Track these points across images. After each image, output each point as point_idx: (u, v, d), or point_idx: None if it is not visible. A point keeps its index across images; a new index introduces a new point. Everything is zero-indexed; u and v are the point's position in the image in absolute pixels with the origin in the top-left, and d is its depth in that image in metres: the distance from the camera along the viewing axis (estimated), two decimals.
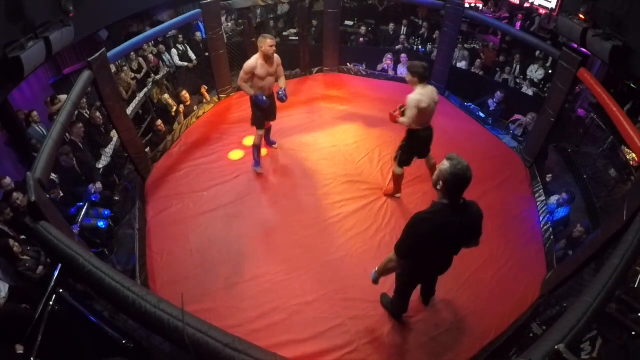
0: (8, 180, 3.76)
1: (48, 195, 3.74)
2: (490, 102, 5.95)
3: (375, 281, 2.54)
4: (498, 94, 5.87)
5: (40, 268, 3.32)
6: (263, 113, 4.20)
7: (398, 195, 4.21)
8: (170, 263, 3.59)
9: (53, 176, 4.07)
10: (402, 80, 6.53)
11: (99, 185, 4.34)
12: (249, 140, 5.04)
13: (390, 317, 3.08)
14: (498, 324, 3.11)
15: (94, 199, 4.02)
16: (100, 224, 3.85)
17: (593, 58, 5.15)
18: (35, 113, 4.72)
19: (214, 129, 5.36)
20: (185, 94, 5.71)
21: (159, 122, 5.20)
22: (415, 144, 3.76)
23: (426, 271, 2.47)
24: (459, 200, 1.99)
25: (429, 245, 2.09)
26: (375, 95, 6.12)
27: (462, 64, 6.78)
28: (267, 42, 3.78)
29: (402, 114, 3.61)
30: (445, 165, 1.92)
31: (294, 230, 3.86)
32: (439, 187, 1.97)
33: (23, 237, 3.40)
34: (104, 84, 3.70)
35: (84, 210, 3.78)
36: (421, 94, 3.40)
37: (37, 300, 2.26)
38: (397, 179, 4.06)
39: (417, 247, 2.11)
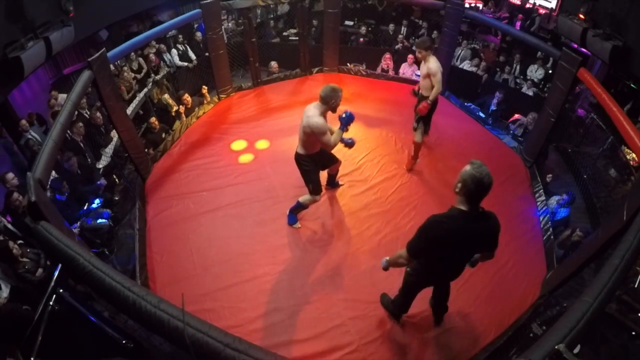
0: (11, 175, 3.76)
1: (59, 197, 3.78)
2: (490, 102, 5.96)
3: (385, 269, 2.55)
4: (498, 94, 5.87)
5: (40, 270, 3.31)
6: (320, 165, 3.58)
7: (418, 160, 4.53)
8: (170, 263, 3.59)
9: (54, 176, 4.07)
10: (403, 80, 6.60)
11: (103, 180, 4.37)
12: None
13: (390, 317, 3.08)
14: (498, 324, 3.11)
15: (96, 206, 4.03)
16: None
17: (593, 58, 5.15)
18: (23, 122, 4.51)
19: (214, 129, 5.36)
20: (187, 97, 5.70)
21: (153, 119, 5.20)
22: (435, 108, 4.14)
23: (435, 274, 2.45)
24: (477, 208, 1.97)
25: (440, 249, 2.08)
26: (375, 95, 6.12)
27: (472, 69, 6.77)
28: (339, 97, 3.07)
29: (415, 94, 4.15)
30: (466, 168, 1.92)
31: (293, 230, 3.85)
32: (457, 190, 1.96)
33: (20, 242, 3.39)
34: (104, 84, 3.70)
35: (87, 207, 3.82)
36: (437, 61, 3.87)
37: (37, 301, 2.26)
38: (418, 147, 4.40)
39: (428, 249, 2.11)
